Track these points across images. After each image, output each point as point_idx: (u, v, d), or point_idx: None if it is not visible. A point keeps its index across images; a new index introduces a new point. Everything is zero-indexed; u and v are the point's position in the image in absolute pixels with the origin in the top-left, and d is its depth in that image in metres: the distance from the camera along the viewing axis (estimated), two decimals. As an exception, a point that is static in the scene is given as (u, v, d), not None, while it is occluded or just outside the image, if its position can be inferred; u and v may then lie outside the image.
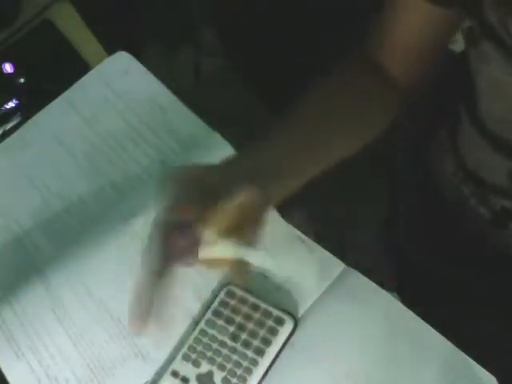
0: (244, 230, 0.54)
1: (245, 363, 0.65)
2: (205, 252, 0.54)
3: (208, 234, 0.53)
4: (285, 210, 0.74)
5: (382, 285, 0.68)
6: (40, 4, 0.98)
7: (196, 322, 0.68)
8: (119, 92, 0.87)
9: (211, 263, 0.56)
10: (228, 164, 0.57)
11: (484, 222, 0.73)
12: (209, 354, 0.66)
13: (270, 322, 0.66)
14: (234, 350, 0.66)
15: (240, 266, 0.55)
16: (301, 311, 0.68)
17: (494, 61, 0.57)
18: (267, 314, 0.67)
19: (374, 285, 0.68)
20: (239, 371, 0.65)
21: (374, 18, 0.67)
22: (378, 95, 0.67)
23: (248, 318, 0.67)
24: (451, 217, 0.78)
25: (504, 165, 0.66)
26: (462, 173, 0.74)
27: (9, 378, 0.70)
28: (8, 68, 0.94)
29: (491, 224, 0.73)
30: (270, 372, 0.65)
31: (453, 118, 0.74)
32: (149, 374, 0.68)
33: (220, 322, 0.67)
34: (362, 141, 0.65)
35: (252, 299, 0.68)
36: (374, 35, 0.68)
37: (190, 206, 0.53)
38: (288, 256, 0.71)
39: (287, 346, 0.66)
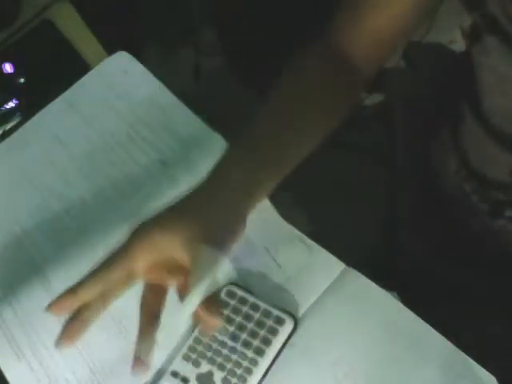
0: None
1: (245, 363, 0.65)
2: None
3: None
4: (285, 210, 0.74)
5: (382, 285, 0.68)
6: (40, 4, 0.98)
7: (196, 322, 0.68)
8: (119, 92, 0.87)
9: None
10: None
11: (484, 218, 0.73)
12: (209, 354, 0.66)
13: (270, 322, 0.66)
14: (234, 350, 0.66)
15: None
16: (301, 311, 0.68)
17: (497, 54, 0.57)
18: (267, 314, 0.67)
19: (373, 285, 0.68)
20: (239, 371, 0.65)
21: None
22: (338, 84, 0.65)
23: (248, 318, 0.67)
24: (451, 216, 0.78)
25: (507, 161, 0.66)
26: (465, 171, 0.74)
27: (9, 378, 0.70)
28: (8, 68, 0.94)
29: (489, 215, 0.73)
30: (270, 372, 0.65)
31: (454, 118, 0.74)
32: (149, 374, 0.68)
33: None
34: (327, 129, 0.64)
35: (252, 299, 0.68)
36: (343, 19, 0.66)
37: None
38: (288, 256, 0.71)
39: (287, 346, 0.66)
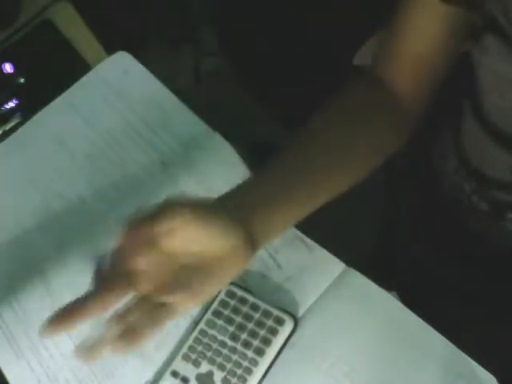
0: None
1: (245, 363, 0.65)
2: None
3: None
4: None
5: (381, 285, 0.68)
6: (40, 4, 0.98)
7: (196, 322, 0.68)
8: (119, 92, 0.87)
9: None
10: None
11: (484, 218, 0.73)
12: (209, 354, 0.66)
13: (270, 322, 0.66)
14: (234, 350, 0.66)
15: None
16: (301, 311, 0.68)
17: (495, 53, 0.57)
18: (267, 314, 0.67)
19: (373, 285, 0.68)
20: (239, 371, 0.65)
21: (380, 28, 0.65)
22: (386, 117, 0.64)
23: (248, 318, 0.67)
24: (452, 216, 0.78)
25: (507, 160, 0.66)
26: (464, 170, 0.74)
27: (9, 378, 0.70)
28: (8, 68, 0.94)
29: (491, 217, 0.73)
30: (269, 372, 0.65)
31: (455, 117, 0.74)
32: (149, 374, 0.68)
33: (220, 322, 0.67)
34: (367, 169, 0.64)
35: (252, 299, 0.68)
36: (380, 47, 0.65)
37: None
38: (288, 256, 0.71)
39: (287, 346, 0.66)
